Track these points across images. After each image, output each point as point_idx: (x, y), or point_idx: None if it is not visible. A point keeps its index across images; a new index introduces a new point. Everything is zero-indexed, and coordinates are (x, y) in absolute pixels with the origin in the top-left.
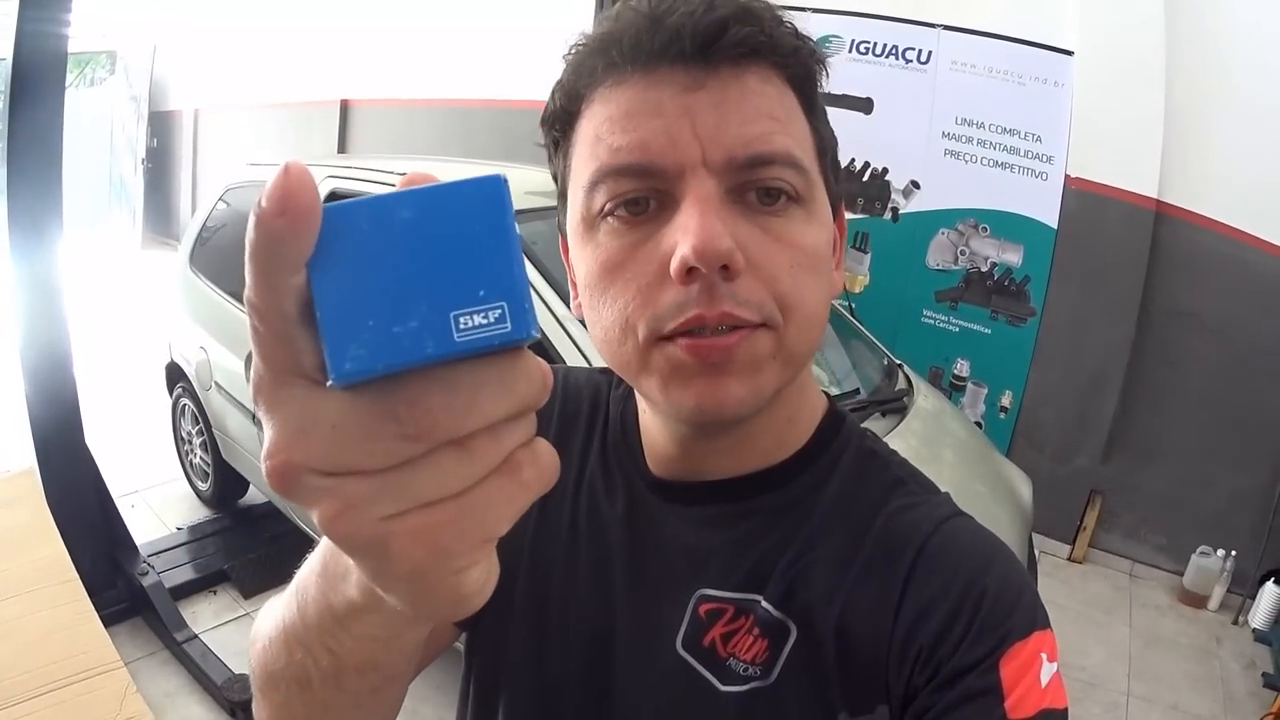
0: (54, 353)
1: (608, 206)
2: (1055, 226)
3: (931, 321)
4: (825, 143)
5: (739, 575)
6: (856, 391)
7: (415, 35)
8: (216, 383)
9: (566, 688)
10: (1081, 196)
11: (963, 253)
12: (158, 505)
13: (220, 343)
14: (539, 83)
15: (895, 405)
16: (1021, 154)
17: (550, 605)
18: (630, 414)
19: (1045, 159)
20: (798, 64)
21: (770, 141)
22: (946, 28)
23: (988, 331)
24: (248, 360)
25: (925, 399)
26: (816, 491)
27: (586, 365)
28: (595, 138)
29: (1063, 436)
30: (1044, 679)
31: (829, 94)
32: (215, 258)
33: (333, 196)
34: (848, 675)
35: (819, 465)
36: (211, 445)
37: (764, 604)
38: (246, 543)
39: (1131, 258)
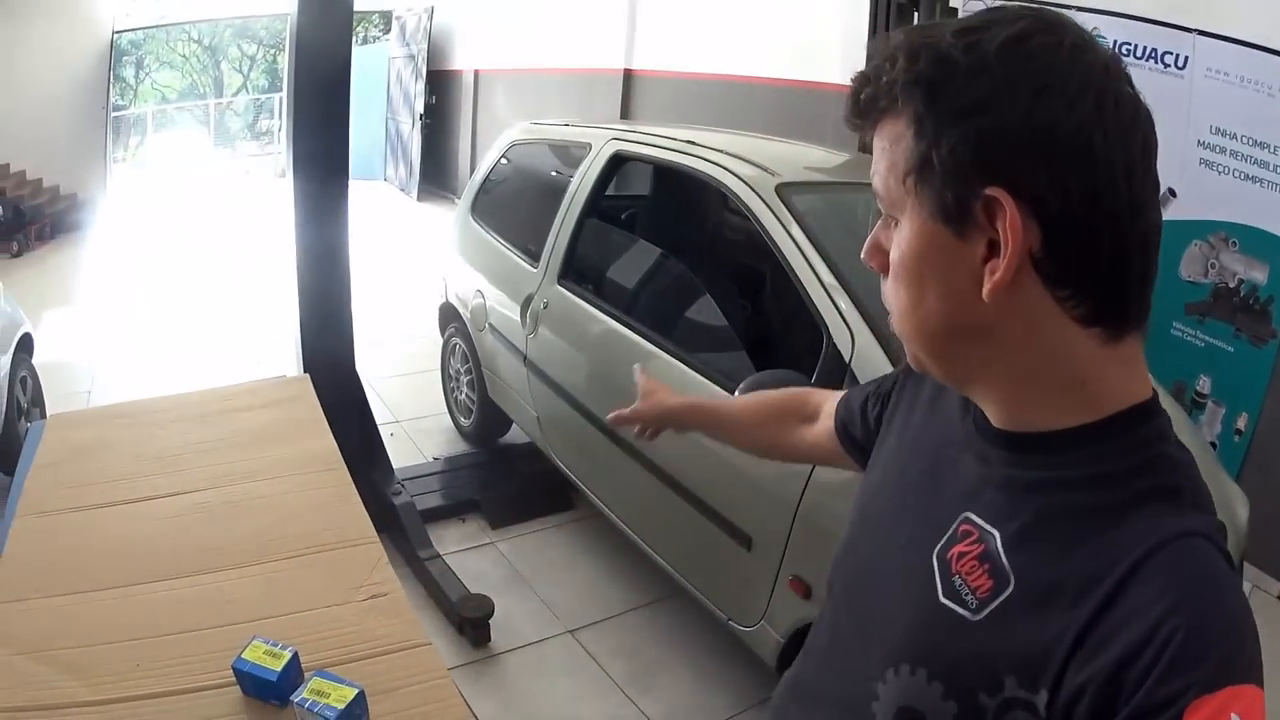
0: (331, 279)
1: None
2: None
3: (1180, 334)
4: (927, 157)
5: (993, 511)
6: None
7: (700, 11)
8: (490, 325)
9: (871, 561)
10: None
11: (1212, 266)
12: (417, 436)
13: (498, 288)
14: (816, 64)
15: None
16: (1270, 168)
17: (880, 504)
18: None
19: None
20: (915, 90)
21: (874, 188)
22: (1200, 33)
23: (1230, 350)
24: (524, 304)
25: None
26: (1085, 466)
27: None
28: None
29: None
30: None
31: None
32: (497, 208)
33: (616, 158)
34: (1033, 647)
35: (1100, 445)
36: (479, 383)
37: (998, 542)
38: (500, 477)
39: None
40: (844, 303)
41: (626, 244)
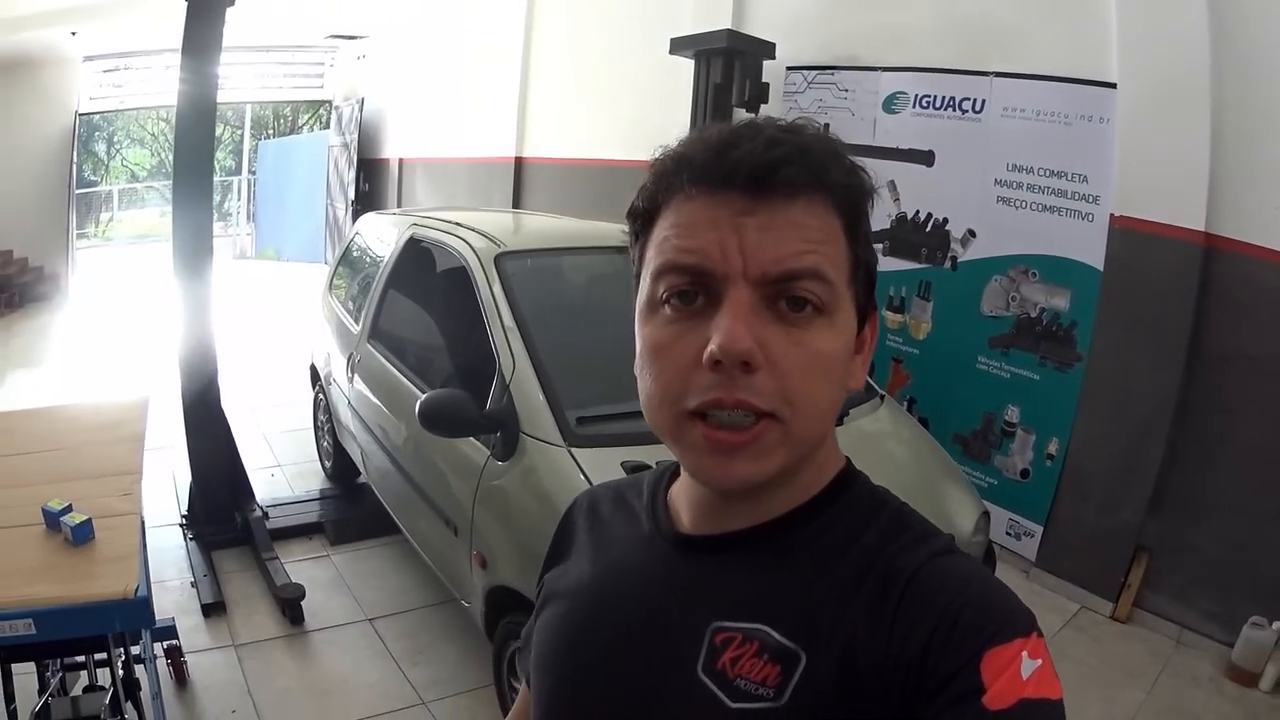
0: (201, 345)
1: (664, 295)
2: (1100, 268)
3: (985, 368)
4: (860, 263)
5: (748, 608)
6: None
7: (574, 105)
8: (333, 377)
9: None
10: (1126, 235)
11: (1014, 299)
12: (294, 478)
13: (337, 347)
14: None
15: None
16: (1068, 196)
17: (592, 657)
18: (661, 492)
19: (1091, 199)
20: (845, 197)
21: (801, 259)
22: (998, 74)
23: (1036, 377)
24: (349, 359)
25: (874, 423)
26: (825, 535)
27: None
28: (664, 238)
29: (1108, 487)
30: (1025, 673)
31: (897, 149)
32: (343, 282)
33: (412, 239)
34: (854, 695)
35: (829, 513)
36: (332, 432)
37: (773, 634)
38: (345, 507)
39: (1178, 296)
40: (515, 340)
41: (406, 306)
